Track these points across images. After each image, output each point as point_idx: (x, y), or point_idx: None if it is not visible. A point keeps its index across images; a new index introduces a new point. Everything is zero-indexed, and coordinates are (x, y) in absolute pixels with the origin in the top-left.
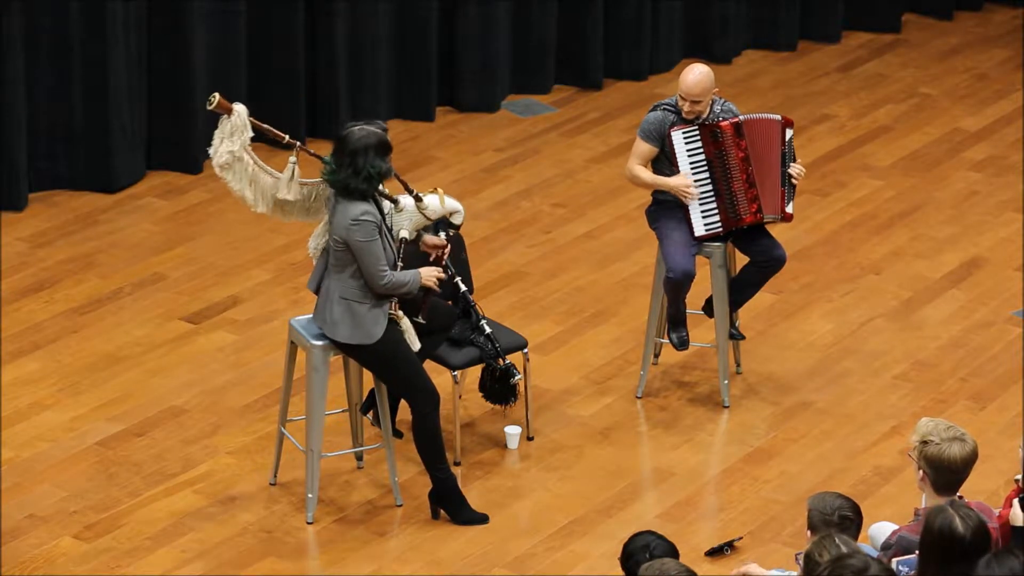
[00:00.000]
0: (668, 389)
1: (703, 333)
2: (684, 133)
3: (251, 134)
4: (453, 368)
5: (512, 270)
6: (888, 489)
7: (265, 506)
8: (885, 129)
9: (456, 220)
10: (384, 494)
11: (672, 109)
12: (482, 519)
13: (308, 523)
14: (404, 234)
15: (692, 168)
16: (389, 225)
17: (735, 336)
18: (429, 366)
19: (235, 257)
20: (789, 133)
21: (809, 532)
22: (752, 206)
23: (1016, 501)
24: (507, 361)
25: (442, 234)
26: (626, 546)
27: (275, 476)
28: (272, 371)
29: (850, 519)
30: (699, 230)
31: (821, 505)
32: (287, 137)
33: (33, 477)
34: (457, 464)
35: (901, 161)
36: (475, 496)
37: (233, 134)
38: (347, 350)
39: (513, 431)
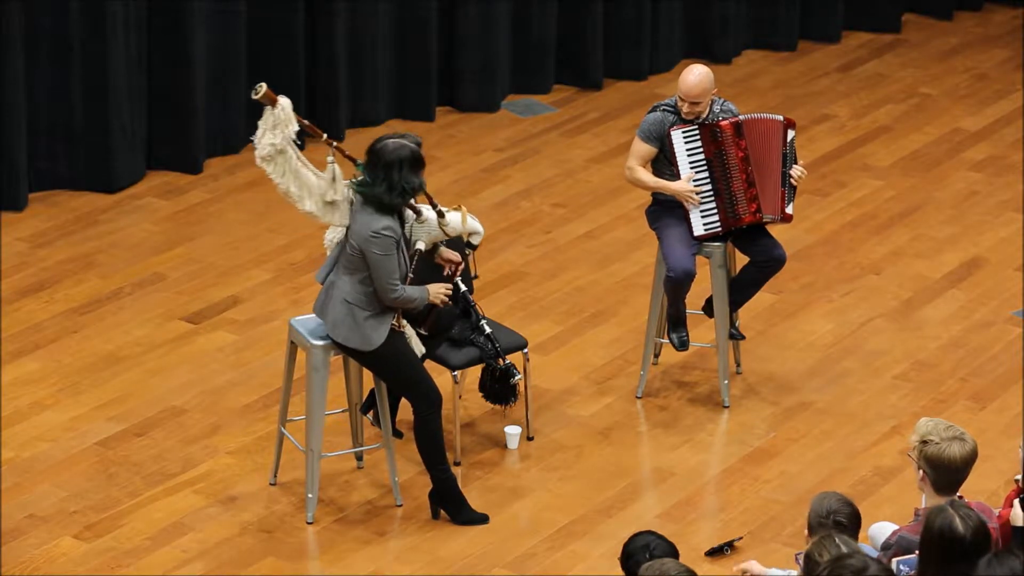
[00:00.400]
0: (668, 389)
1: (703, 333)
2: (684, 133)
3: (296, 128)
4: (453, 368)
5: (512, 270)
6: (888, 489)
7: (265, 506)
8: (885, 129)
9: (474, 240)
10: (384, 494)
11: (671, 110)
12: (482, 519)
13: (308, 523)
14: (420, 246)
15: (691, 168)
16: (408, 235)
17: (735, 336)
18: (429, 366)
19: (235, 257)
20: (791, 134)
21: (807, 532)
22: (751, 206)
23: (1017, 501)
24: (507, 361)
25: (470, 247)
26: (626, 546)
27: (275, 476)
28: (272, 371)
29: (843, 525)
30: (698, 230)
31: (819, 506)
32: (325, 136)
33: (33, 477)
34: (457, 464)
35: (901, 161)
36: (475, 496)
37: (276, 126)
38: (346, 350)
39: (513, 431)
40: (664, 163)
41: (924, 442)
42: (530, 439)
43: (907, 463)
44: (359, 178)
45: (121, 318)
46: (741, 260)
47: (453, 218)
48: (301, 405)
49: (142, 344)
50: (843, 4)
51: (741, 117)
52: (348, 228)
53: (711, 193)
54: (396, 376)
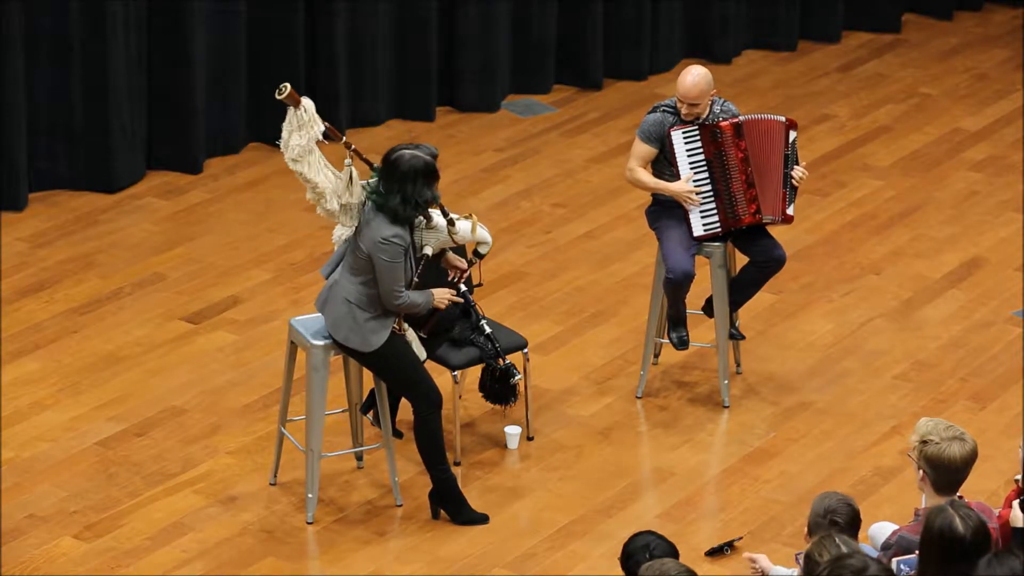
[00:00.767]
0: (668, 389)
1: (703, 333)
2: (684, 133)
3: (321, 128)
4: (453, 368)
5: (512, 270)
6: (888, 489)
7: (265, 506)
8: (885, 129)
9: (482, 250)
10: (384, 494)
11: (671, 110)
12: (482, 519)
13: (308, 523)
14: (427, 251)
15: (691, 168)
16: (416, 241)
17: (735, 336)
18: (429, 366)
19: (235, 257)
20: (793, 135)
21: (807, 531)
22: (751, 207)
23: (1016, 503)
24: (507, 361)
25: (478, 256)
26: (626, 546)
27: (275, 476)
28: (272, 371)
29: (839, 524)
30: (698, 230)
31: (818, 505)
32: (344, 138)
33: (33, 477)
34: (457, 464)
35: (901, 161)
36: (475, 496)
37: (302, 128)
38: (346, 349)
39: (513, 431)
40: (664, 163)
41: (924, 442)
42: (530, 439)
43: (907, 463)
44: (372, 182)
45: (121, 318)
46: (741, 260)
47: (463, 227)
48: (301, 405)
49: (142, 344)
50: (843, 4)
51: (741, 118)
52: (357, 230)
53: (711, 194)
54: (396, 376)
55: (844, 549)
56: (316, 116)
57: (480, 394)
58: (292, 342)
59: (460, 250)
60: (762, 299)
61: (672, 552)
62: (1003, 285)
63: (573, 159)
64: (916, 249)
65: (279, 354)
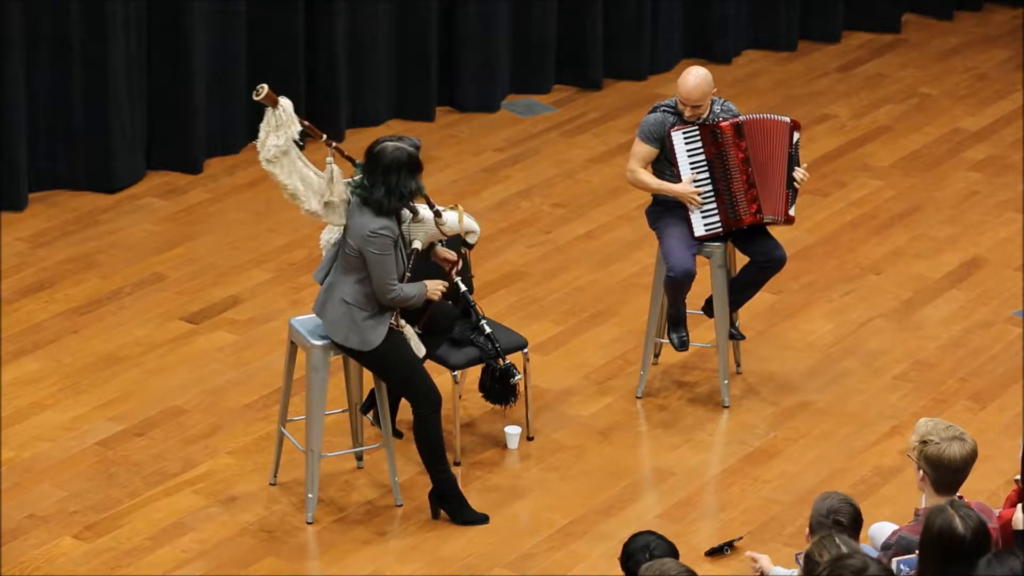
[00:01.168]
0: (668, 389)
1: (703, 333)
2: (684, 133)
3: (299, 128)
4: (453, 368)
5: (512, 270)
6: (888, 489)
7: (265, 506)
8: (885, 129)
9: (471, 240)
10: (384, 494)
11: (672, 110)
12: (482, 519)
13: (308, 523)
14: (417, 245)
15: (692, 168)
16: (405, 234)
17: (735, 336)
18: (429, 366)
19: (235, 257)
20: (796, 136)
21: (808, 531)
22: (752, 207)
23: (1020, 506)
24: (507, 361)
25: (467, 246)
26: (626, 546)
27: (275, 476)
28: (272, 371)
29: (842, 524)
30: (699, 230)
31: (820, 505)
32: (325, 137)
33: (33, 477)
34: (457, 464)
35: (901, 161)
36: (475, 496)
37: (279, 128)
38: (346, 350)
39: (513, 431)
40: (665, 164)
41: (924, 442)
42: (530, 439)
43: (907, 463)
44: (357, 178)
45: (121, 318)
46: (741, 260)
47: (450, 218)
48: (301, 405)
49: (142, 344)
50: (843, 4)
51: (742, 118)
52: (345, 228)
53: (712, 194)
54: (396, 376)
55: (844, 549)
56: (294, 116)
57: (480, 394)
58: (292, 342)
59: (455, 243)
60: (762, 299)
61: (672, 552)
62: (1003, 285)
63: (573, 159)
64: (916, 249)
65: (279, 354)
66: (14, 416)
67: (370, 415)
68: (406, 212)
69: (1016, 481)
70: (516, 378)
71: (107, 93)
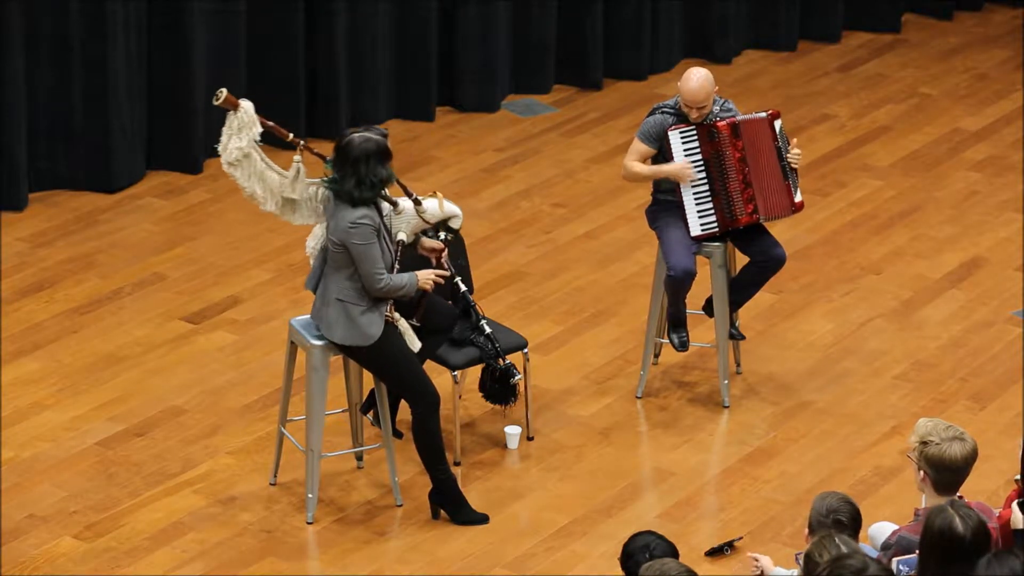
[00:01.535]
0: (668, 389)
1: (703, 333)
2: (682, 133)
3: (259, 129)
4: (453, 368)
5: (512, 270)
6: (888, 489)
7: (265, 506)
8: (885, 129)
9: (454, 224)
10: (384, 494)
11: (672, 111)
12: (482, 519)
13: (308, 523)
14: (402, 236)
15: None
16: (388, 226)
17: (735, 336)
18: (429, 366)
19: (235, 257)
20: (778, 125)
21: (807, 531)
22: (748, 207)
23: (1015, 504)
24: (507, 361)
25: (443, 234)
26: (626, 546)
27: (275, 476)
28: (272, 371)
29: (843, 524)
30: (695, 230)
31: (820, 505)
32: (291, 135)
33: (33, 477)
34: (457, 464)
35: (901, 161)
36: (475, 496)
37: (241, 130)
38: (346, 350)
39: (513, 431)
40: (662, 163)
41: (924, 443)
42: (530, 439)
43: (907, 463)
44: (330, 176)
45: (121, 318)
46: (741, 260)
47: (430, 204)
48: (301, 405)
49: (142, 344)
50: (843, 4)
51: (738, 118)
52: (327, 227)
53: (708, 194)
54: (394, 375)
55: (844, 549)
56: (255, 117)
57: (480, 394)
58: (292, 342)
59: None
60: (762, 299)
61: (672, 552)
62: (1003, 285)
63: (573, 159)
64: (916, 249)
65: (279, 354)
66: (14, 416)
67: (370, 415)
68: (386, 205)
69: (1016, 481)
70: (516, 378)
71: (107, 93)
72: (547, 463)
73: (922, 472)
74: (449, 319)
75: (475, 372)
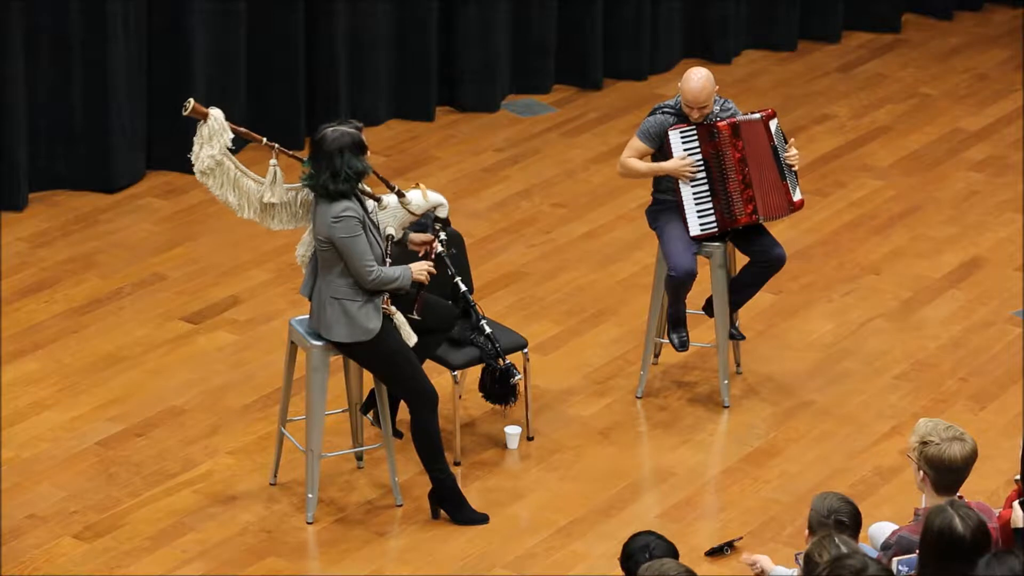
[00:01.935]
0: (668, 389)
1: (703, 333)
2: (682, 133)
3: (230, 135)
4: (453, 368)
5: (512, 270)
6: (888, 489)
7: (265, 506)
8: (885, 129)
9: (441, 213)
10: (384, 494)
11: (672, 112)
12: (482, 519)
13: (308, 523)
14: (391, 231)
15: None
16: (375, 221)
17: (735, 336)
18: (429, 366)
19: (235, 257)
20: (774, 125)
21: (807, 531)
22: (747, 207)
23: (1016, 503)
24: (507, 361)
25: (438, 226)
26: (626, 546)
27: (275, 476)
28: (272, 371)
29: (844, 524)
30: (694, 230)
31: (820, 506)
32: (264, 140)
33: (33, 477)
34: (457, 464)
35: (901, 161)
36: (475, 496)
37: (212, 138)
38: (346, 350)
39: (513, 431)
40: (661, 162)
41: (924, 443)
42: (530, 439)
43: (907, 463)
44: (307, 173)
45: (121, 318)
46: (741, 260)
47: (414, 196)
48: (301, 405)
49: (142, 344)
50: (843, 4)
51: (738, 118)
52: (312, 228)
53: (708, 193)
54: (392, 372)
55: (844, 549)
56: (225, 124)
57: (480, 394)
58: (292, 342)
59: (458, 248)
60: (762, 299)
61: (672, 552)
62: (1003, 285)
63: (573, 159)
64: (916, 249)
65: (279, 354)
66: (14, 416)
67: (370, 415)
68: (371, 202)
69: (1016, 481)
70: (516, 378)
71: (107, 93)
72: (547, 463)
73: (922, 472)
74: (449, 319)
75: (475, 372)
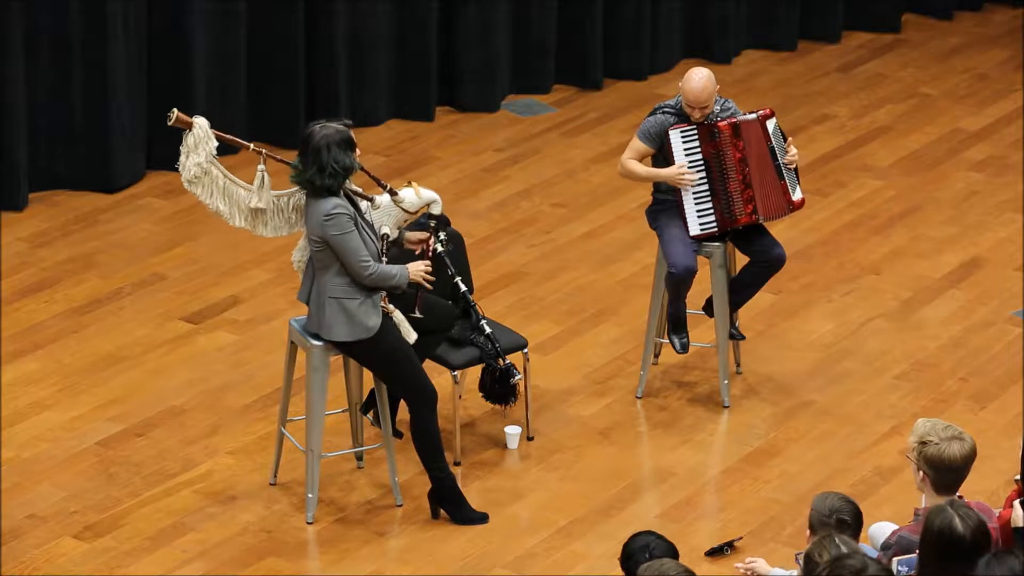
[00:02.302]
0: (668, 389)
1: (703, 333)
2: (682, 132)
3: (215, 143)
4: (453, 368)
5: (512, 270)
6: (888, 489)
7: (265, 506)
8: (885, 129)
9: (435, 210)
10: (384, 494)
11: (673, 112)
12: (482, 519)
13: (308, 523)
14: (386, 230)
15: (689, 167)
16: (369, 220)
17: (735, 336)
18: (429, 366)
19: (235, 257)
20: (771, 124)
21: (808, 531)
22: (747, 207)
23: (1017, 503)
24: (507, 361)
25: (433, 223)
26: (626, 546)
27: (275, 476)
28: (272, 371)
29: (847, 523)
30: (694, 230)
31: (821, 505)
32: (252, 145)
33: (33, 477)
34: (457, 464)
35: (901, 161)
36: (475, 496)
37: (197, 146)
38: (346, 350)
39: (513, 431)
40: (662, 163)
41: (923, 443)
42: (530, 439)
43: (907, 463)
44: (296, 171)
45: (121, 318)
46: (741, 260)
47: (407, 194)
48: (301, 405)
49: (142, 344)
50: (843, 4)
51: (737, 118)
52: (306, 228)
53: (708, 193)
54: (392, 370)
55: (844, 549)
56: (210, 132)
57: (480, 394)
58: (292, 342)
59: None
60: (762, 299)
61: (672, 552)
62: (1003, 285)
63: (573, 159)
64: (916, 249)
65: (279, 354)
66: (14, 416)
67: (370, 415)
68: (364, 202)
69: (1016, 481)
70: (516, 378)
71: (107, 93)
72: (547, 463)
73: (921, 472)
74: (448, 319)
75: (475, 372)
